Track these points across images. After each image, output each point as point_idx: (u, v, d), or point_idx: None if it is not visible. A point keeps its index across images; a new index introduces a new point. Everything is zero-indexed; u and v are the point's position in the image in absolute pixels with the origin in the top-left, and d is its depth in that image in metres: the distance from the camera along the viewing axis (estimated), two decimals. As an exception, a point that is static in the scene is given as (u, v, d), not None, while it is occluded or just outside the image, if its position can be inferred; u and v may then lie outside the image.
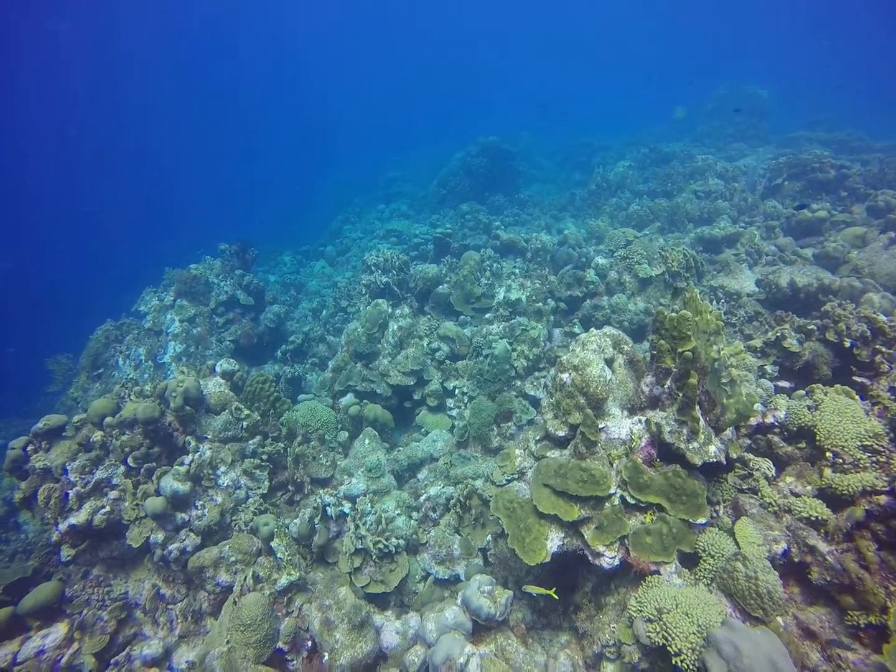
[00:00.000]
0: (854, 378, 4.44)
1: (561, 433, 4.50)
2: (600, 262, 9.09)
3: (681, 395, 4.07)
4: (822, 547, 3.22)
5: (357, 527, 5.31)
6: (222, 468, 5.87)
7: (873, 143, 16.98)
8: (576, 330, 8.30)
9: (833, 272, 8.01)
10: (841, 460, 3.61)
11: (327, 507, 5.40)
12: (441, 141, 30.95)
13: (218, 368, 6.60)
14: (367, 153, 36.93)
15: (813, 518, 3.43)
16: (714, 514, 4.06)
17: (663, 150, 18.34)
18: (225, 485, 5.77)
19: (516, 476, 5.03)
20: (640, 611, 3.46)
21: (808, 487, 3.74)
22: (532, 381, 7.54)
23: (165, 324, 10.60)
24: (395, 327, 8.25)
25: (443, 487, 6.35)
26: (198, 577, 4.80)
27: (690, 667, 2.89)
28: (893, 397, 3.96)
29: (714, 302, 8.03)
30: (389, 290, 9.06)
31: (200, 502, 5.35)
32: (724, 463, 3.99)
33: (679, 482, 3.92)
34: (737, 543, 3.62)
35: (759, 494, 3.90)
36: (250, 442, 6.33)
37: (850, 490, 3.44)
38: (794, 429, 4.08)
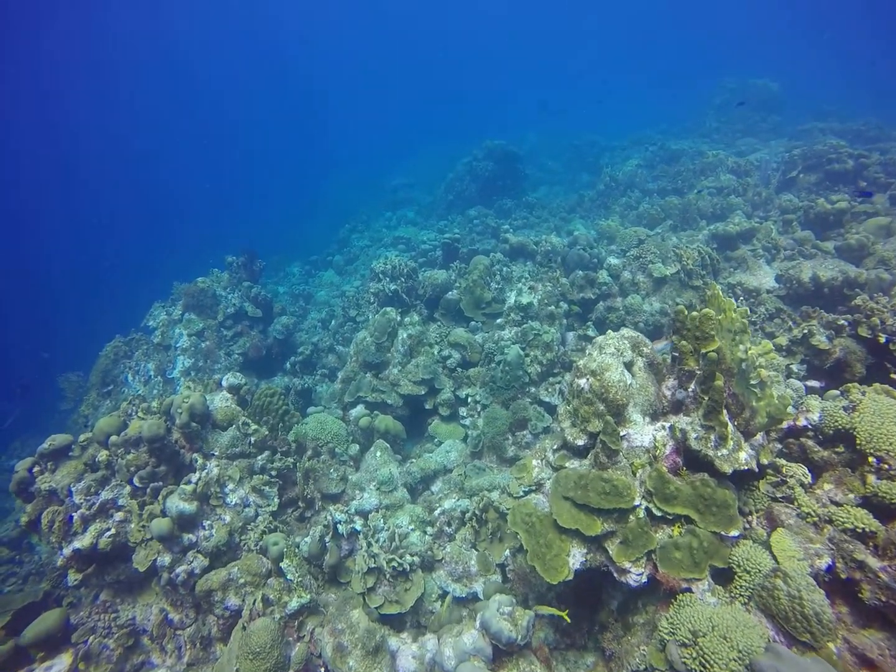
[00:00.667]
0: (892, 376, 4.17)
1: (580, 442, 4.27)
2: (613, 262, 8.86)
3: (706, 398, 3.83)
4: (873, 563, 2.96)
5: (369, 545, 5.11)
6: (230, 486, 5.72)
7: (891, 132, 16.53)
8: (590, 333, 8.07)
9: (857, 265, 7.70)
10: (887, 466, 3.34)
11: (338, 525, 5.21)
12: (446, 145, 30.86)
13: (224, 383, 6.47)
14: (372, 158, 36.98)
15: (859, 530, 3.17)
16: (747, 526, 3.80)
17: (672, 147, 18.05)
18: (233, 503, 5.61)
19: (534, 488, 4.80)
20: (673, 633, 3.22)
21: (850, 496, 3.48)
22: (547, 386, 7.32)
23: (174, 338, 10.54)
24: (405, 335, 8.07)
25: (458, 500, 6.12)
26: (206, 601, 4.63)
27: (732, 697, 2.65)
28: (937, 395, 3.70)
29: (733, 300, 7.75)
30: (398, 298, 8.90)
31: (208, 522, 5.19)
32: (756, 470, 3.74)
33: (708, 492, 3.68)
34: (774, 558, 3.36)
35: (796, 503, 3.64)
36: (259, 458, 6.18)
37: (899, 498, 3.18)
38: (831, 432, 3.82)
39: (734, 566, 3.49)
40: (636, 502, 3.87)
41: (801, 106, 23.35)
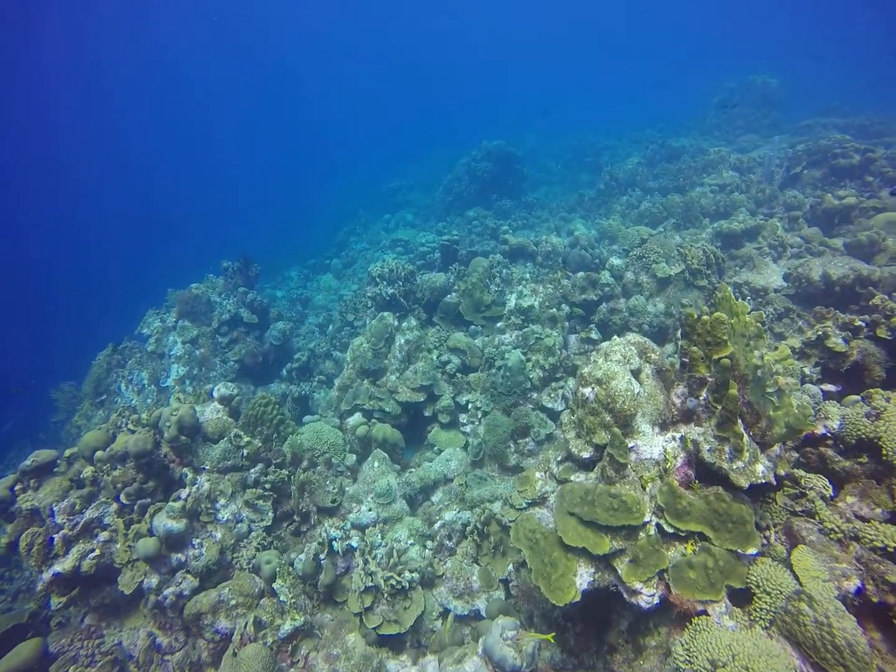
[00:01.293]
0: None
1: (585, 454, 4.05)
2: (615, 262, 8.63)
3: (719, 408, 3.61)
4: (908, 587, 2.74)
5: (366, 562, 4.89)
6: (222, 501, 5.50)
7: (894, 126, 16.31)
8: (593, 336, 7.85)
9: (868, 262, 7.46)
10: (916, 479, 3.12)
11: (334, 542, 4.99)
12: (445, 146, 30.69)
13: (215, 394, 6.26)
14: (370, 161, 36.82)
15: (891, 549, 2.95)
16: (765, 542, 3.58)
17: (672, 145, 17.82)
18: (225, 519, 5.39)
19: (537, 500, 4.58)
20: (690, 662, 2.99)
21: (877, 510, 3.25)
22: (549, 392, 7.09)
23: (168, 346, 10.34)
24: (402, 341, 7.86)
25: (458, 512, 5.90)
26: (195, 625, 4.41)
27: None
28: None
29: (739, 300, 7.52)
30: (396, 302, 8.68)
31: (198, 540, 4.97)
32: (774, 483, 3.51)
33: (723, 507, 3.45)
34: (796, 578, 3.13)
35: (817, 518, 3.42)
36: (252, 471, 5.96)
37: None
38: (853, 441, 3.60)
39: (753, 587, 3.26)
40: (646, 518, 3.64)
41: (801, 102, 23.14)
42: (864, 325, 4.63)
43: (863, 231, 7.94)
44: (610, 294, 8.30)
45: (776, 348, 3.51)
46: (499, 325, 8.04)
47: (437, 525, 5.73)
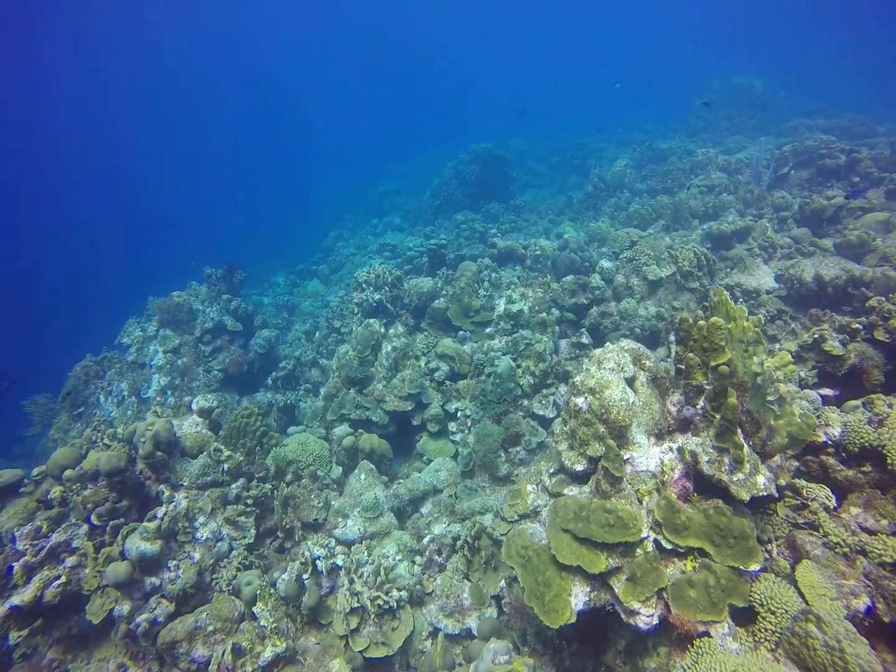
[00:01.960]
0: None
1: (579, 467, 3.88)
2: (605, 265, 8.51)
3: (718, 417, 3.45)
4: (922, 607, 2.59)
5: (352, 581, 4.67)
6: (201, 519, 5.26)
7: (876, 128, 16.46)
8: (584, 340, 7.70)
9: (858, 262, 7.40)
10: (924, 489, 2.99)
11: (317, 561, 4.76)
12: (433, 149, 30.59)
13: (194, 406, 6.01)
14: (358, 165, 36.59)
15: (900, 566, 2.81)
16: (767, 556, 3.42)
17: (660, 146, 17.86)
18: (204, 538, 5.15)
19: (529, 514, 4.40)
20: (693, 690, 2.82)
21: (883, 522, 3.11)
22: (540, 399, 6.92)
23: (149, 356, 10.04)
24: (389, 348, 7.66)
25: (448, 525, 5.70)
26: (170, 654, 4.17)
27: None
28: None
29: (739, 304, 7.42)
30: (382, 308, 8.49)
31: (174, 562, 4.73)
32: (776, 495, 3.36)
33: (723, 522, 3.29)
34: (802, 595, 2.98)
35: (821, 531, 3.27)
36: (233, 486, 5.73)
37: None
38: (856, 449, 3.46)
39: (756, 605, 3.10)
40: (644, 534, 3.47)
41: (786, 103, 23.36)
42: (861, 327, 4.52)
43: (852, 231, 7.89)
44: (600, 297, 8.18)
45: (776, 354, 3.37)
46: (488, 330, 7.87)
47: (426, 539, 5.52)
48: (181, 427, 5.78)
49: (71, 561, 4.35)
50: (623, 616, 3.42)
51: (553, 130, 29.00)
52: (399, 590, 4.84)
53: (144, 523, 4.66)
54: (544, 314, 7.80)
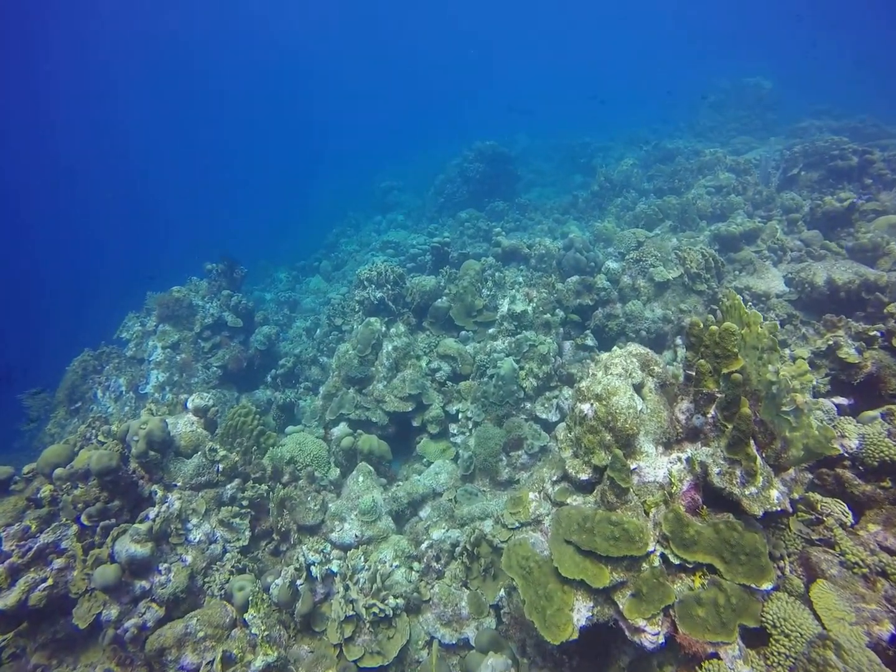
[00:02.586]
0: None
1: (583, 476, 3.73)
2: (611, 266, 8.35)
3: (730, 427, 3.31)
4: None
5: (347, 588, 4.54)
6: (194, 520, 5.14)
7: (888, 129, 16.20)
8: (588, 342, 7.55)
9: (872, 266, 7.22)
10: (949, 508, 2.84)
11: (312, 567, 4.64)
12: (437, 147, 30.41)
13: (189, 405, 5.88)
14: (362, 162, 36.40)
15: (924, 591, 2.66)
16: (779, 574, 3.27)
17: (667, 146, 17.66)
18: (196, 540, 5.03)
19: (531, 523, 4.26)
20: (701, 716, 2.68)
21: (904, 542, 2.96)
22: (543, 402, 6.78)
23: (147, 351, 9.93)
24: (390, 348, 7.52)
25: (447, 531, 5.57)
26: (158, 661, 4.04)
27: None
28: None
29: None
30: (384, 306, 8.35)
31: (165, 565, 4.60)
32: (790, 511, 3.21)
33: (734, 537, 3.15)
34: (818, 618, 2.83)
35: (837, 548, 3.12)
36: (228, 486, 5.60)
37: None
38: (875, 463, 3.31)
39: (769, 626, 2.96)
40: (650, 548, 3.33)
41: (795, 104, 23.09)
42: (879, 334, 4.36)
43: (865, 234, 7.71)
44: (606, 299, 8.01)
45: (793, 362, 3.22)
46: (491, 331, 7.73)
47: (424, 545, 5.39)
48: (176, 426, 5.66)
49: (59, 563, 4.23)
50: (627, 633, 3.28)
51: (557, 129, 28.78)
52: (395, 597, 4.71)
53: (135, 525, 4.54)
54: (548, 315, 7.65)
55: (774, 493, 3.14)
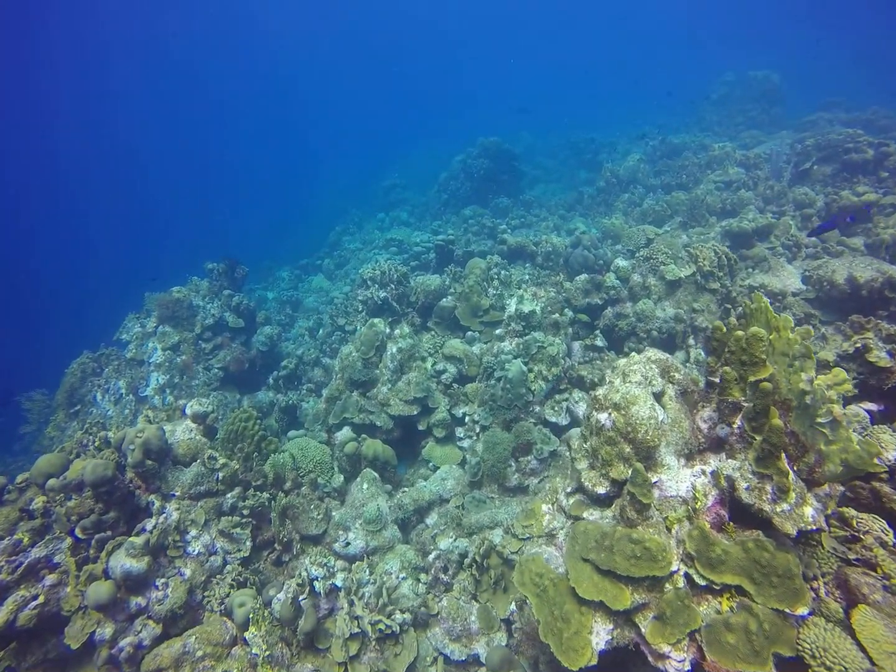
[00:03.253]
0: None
1: (601, 490, 3.53)
2: (621, 264, 8.12)
3: (759, 439, 3.09)
4: None
5: (352, 604, 4.36)
6: (193, 531, 4.96)
7: (900, 121, 15.88)
8: (598, 342, 7.34)
9: (893, 263, 6.97)
10: None
11: (315, 582, 4.45)
12: (440, 144, 30.12)
13: (188, 411, 5.70)
14: (365, 160, 36.19)
15: (981, 623, 2.45)
16: (813, 596, 3.06)
17: (673, 141, 17.33)
18: (196, 552, 4.85)
19: (544, 537, 4.07)
20: (735, 755, 2.48)
21: (952, 565, 2.75)
22: (552, 405, 6.58)
23: (147, 353, 9.76)
24: (395, 349, 7.32)
25: (455, 540, 5.39)
26: (155, 683, 3.87)
27: None
28: None
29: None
30: (388, 306, 8.14)
31: (162, 580, 4.43)
32: (826, 529, 3.00)
33: (765, 557, 2.94)
34: (863, 649, 2.63)
35: (880, 571, 2.91)
36: (228, 495, 5.42)
37: None
38: (915, 477, 3.09)
39: (807, 656, 2.75)
40: (673, 567, 3.13)
41: (803, 97, 22.75)
42: (911, 337, 4.15)
43: (885, 230, 7.46)
44: (615, 298, 7.79)
45: (830, 371, 3.00)
46: (498, 331, 7.51)
47: (431, 556, 5.20)
48: (174, 433, 5.48)
49: (51, 579, 4.05)
50: (650, 658, 3.09)
51: (562, 125, 28.49)
52: (402, 612, 4.53)
53: (131, 538, 4.36)
54: (557, 315, 7.44)
55: (809, 511, 2.93)
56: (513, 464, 6.14)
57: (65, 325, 22.33)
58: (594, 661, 3.15)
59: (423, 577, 5.02)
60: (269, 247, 25.37)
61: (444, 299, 8.25)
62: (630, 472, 3.27)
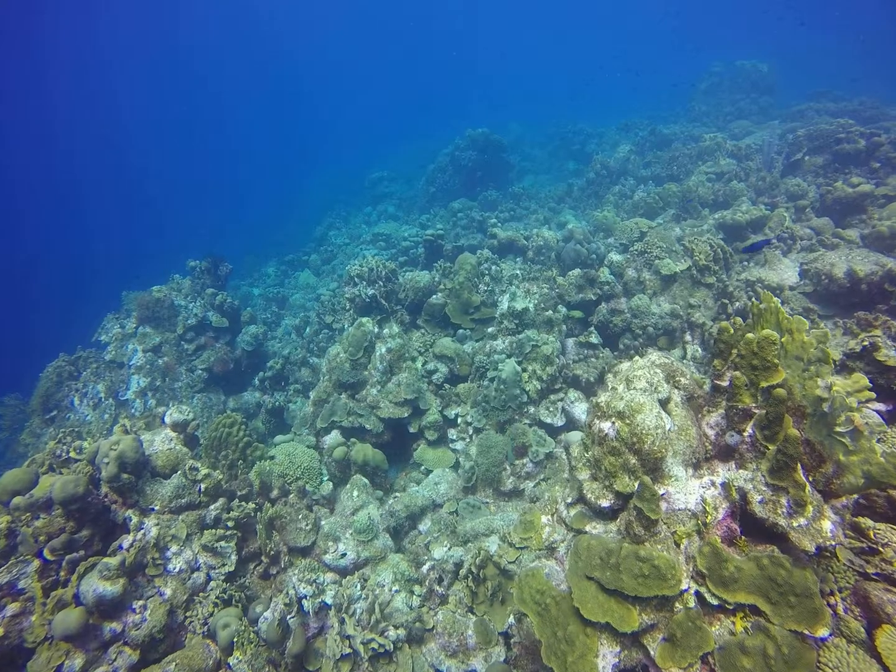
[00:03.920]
0: None
1: (604, 503, 3.33)
2: (615, 258, 7.93)
3: (772, 448, 2.91)
4: None
5: (343, 622, 4.14)
6: (174, 547, 4.70)
7: (888, 111, 15.86)
8: (592, 340, 7.15)
9: (890, 255, 6.86)
10: None
11: (304, 601, 4.23)
12: (427, 136, 29.78)
13: (167, 419, 5.42)
14: (352, 153, 35.69)
15: None
16: (831, 613, 2.90)
17: (663, 131, 17.19)
18: (177, 570, 4.60)
19: (543, 551, 3.87)
20: None
21: (979, 582, 2.60)
22: (548, 405, 6.39)
23: (127, 355, 9.41)
24: (384, 350, 7.07)
25: (449, 549, 5.19)
26: (132, 715, 3.64)
27: None
28: None
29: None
30: (376, 304, 7.88)
31: (140, 602, 4.17)
32: (845, 544, 2.84)
33: (781, 575, 2.77)
34: (886, 674, 2.47)
35: (900, 587, 2.75)
36: (212, 507, 5.16)
37: None
38: (934, 486, 2.93)
39: (827, 682, 2.59)
40: (683, 586, 2.95)
41: (788, 87, 22.73)
42: (922, 335, 4.00)
43: (882, 222, 7.34)
44: (610, 293, 7.61)
45: (850, 376, 2.83)
46: (490, 329, 7.30)
47: (425, 567, 5.00)
48: (152, 443, 5.20)
49: (12, 608, 3.77)
50: (660, 683, 2.91)
51: (549, 115, 28.24)
52: (396, 627, 4.32)
53: (105, 559, 4.09)
54: (550, 312, 7.23)
55: (827, 525, 2.76)
56: (508, 467, 5.95)
57: (45, 327, 21.69)
58: (600, 687, 2.97)
59: (417, 589, 4.82)
60: (257, 241, 24.92)
61: (434, 296, 8.03)
62: (636, 485, 3.08)
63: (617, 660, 3.02)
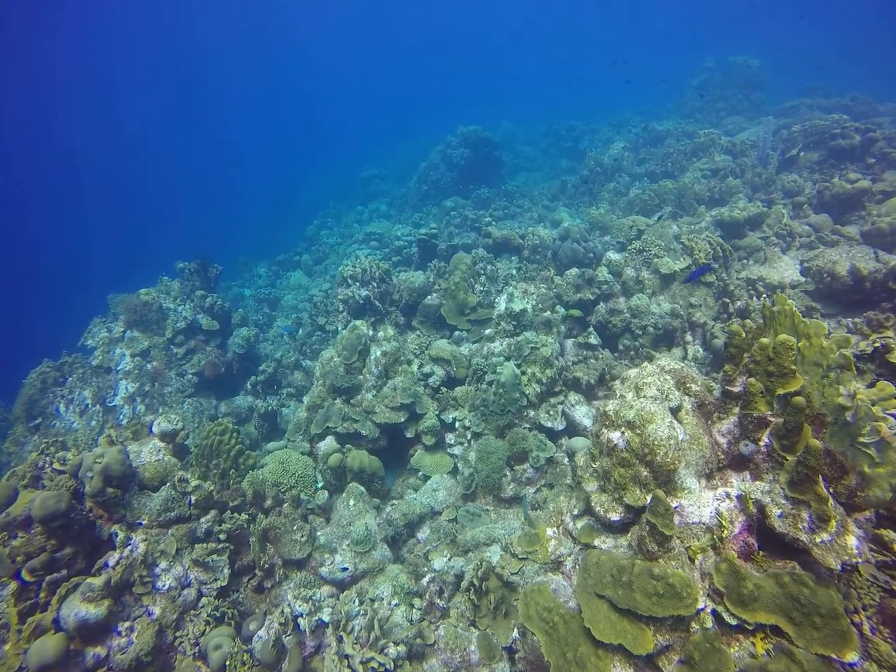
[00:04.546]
0: None
1: (614, 516, 3.19)
2: (613, 257, 7.79)
3: (791, 460, 2.78)
4: None
5: (340, 640, 3.97)
6: (163, 563, 4.51)
7: (878, 107, 15.86)
8: (591, 340, 7.00)
9: (891, 252, 6.77)
10: None
11: (299, 619, 4.06)
12: (420, 133, 29.56)
13: (155, 429, 5.21)
14: (344, 151, 35.37)
15: None
16: (857, 634, 2.77)
17: (657, 128, 17.10)
18: (166, 587, 4.41)
19: (549, 565, 3.72)
20: None
21: None
22: (548, 408, 6.24)
23: (115, 360, 9.16)
24: (378, 353, 6.89)
25: (450, 559, 5.03)
26: (119, 745, 3.46)
27: None
28: None
29: (756, 299, 6.76)
30: (370, 305, 7.70)
31: (127, 623, 3.98)
32: (872, 561, 2.70)
33: (804, 594, 2.63)
34: (918, 701, 2.33)
35: (928, 605, 2.62)
36: (203, 520, 4.97)
37: None
38: (961, 497, 2.80)
39: (854, 708, 2.46)
40: (700, 605, 2.81)
41: (783, 83, 22.74)
42: (937, 336, 3.89)
43: (882, 218, 7.25)
44: (608, 293, 7.48)
45: (875, 384, 2.69)
46: (487, 331, 7.14)
47: (425, 579, 4.83)
48: (139, 455, 4.99)
49: (-11, 636, 3.58)
50: (677, 707, 2.77)
51: (541, 112, 28.11)
52: (396, 644, 4.16)
53: (89, 579, 3.89)
54: (549, 312, 7.08)
55: (852, 541, 2.63)
56: (508, 473, 5.80)
57: (40, 331, 21.22)
58: (614, 712, 2.83)
59: (417, 601, 4.66)
60: (248, 241, 24.60)
61: (429, 297, 7.86)
62: (648, 498, 2.93)
63: (630, 683, 2.87)
